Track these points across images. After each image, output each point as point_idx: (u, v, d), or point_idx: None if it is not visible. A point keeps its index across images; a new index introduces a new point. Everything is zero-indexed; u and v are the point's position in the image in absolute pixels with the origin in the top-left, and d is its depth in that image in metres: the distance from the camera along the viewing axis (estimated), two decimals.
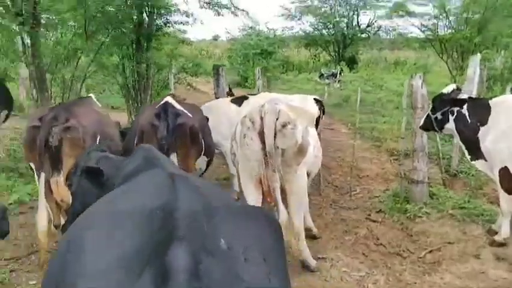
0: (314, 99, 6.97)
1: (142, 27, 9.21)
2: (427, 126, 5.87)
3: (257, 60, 22.36)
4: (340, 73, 20.80)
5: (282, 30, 30.05)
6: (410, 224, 5.93)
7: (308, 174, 4.59)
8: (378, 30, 30.79)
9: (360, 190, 7.51)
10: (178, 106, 5.15)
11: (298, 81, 23.98)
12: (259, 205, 4.31)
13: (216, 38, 48.33)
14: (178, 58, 11.63)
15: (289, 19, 31.42)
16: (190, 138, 5.03)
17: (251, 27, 25.16)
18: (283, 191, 4.35)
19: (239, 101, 6.97)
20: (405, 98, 6.89)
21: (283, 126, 4.11)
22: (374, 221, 6.15)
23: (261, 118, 4.11)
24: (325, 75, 21.34)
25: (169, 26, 9.39)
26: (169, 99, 5.21)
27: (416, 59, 28.49)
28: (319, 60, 31.33)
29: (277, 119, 4.11)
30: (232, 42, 26.28)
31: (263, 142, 4.09)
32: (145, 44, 9.22)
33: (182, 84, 12.37)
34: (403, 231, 5.79)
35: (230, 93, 9.86)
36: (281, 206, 4.26)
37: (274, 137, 4.08)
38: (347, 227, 5.97)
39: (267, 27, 26.03)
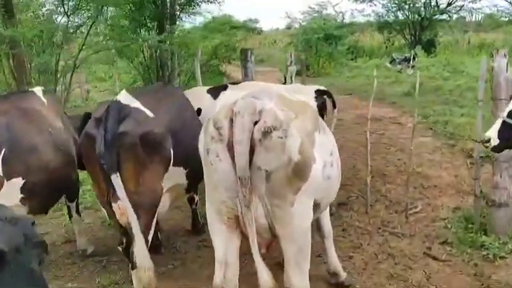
0: (317, 91, 5.16)
1: (164, 8, 7.89)
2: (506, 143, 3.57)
3: (321, 46, 20.51)
4: (414, 58, 18.47)
5: (352, 13, 27.81)
6: (488, 267, 4.14)
7: (316, 206, 2.98)
8: (460, 10, 27.60)
9: (422, 207, 5.72)
10: (134, 104, 3.77)
11: (368, 67, 21.84)
12: (236, 262, 2.82)
13: (289, 27, 47.25)
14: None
15: (359, 1, 29.04)
16: (143, 149, 3.63)
17: (317, 11, 23.33)
18: (274, 236, 2.80)
19: (216, 91, 5.34)
20: (481, 86, 4.96)
21: (266, 133, 2.57)
22: (435, 259, 4.41)
23: (231, 122, 2.58)
24: (397, 60, 19.15)
25: (194, 6, 8.00)
26: (123, 95, 3.84)
27: (504, 41, 25.15)
28: (393, 45, 28.72)
29: (256, 123, 2.58)
30: (295, 27, 24.51)
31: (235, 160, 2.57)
32: (168, 26, 7.89)
33: (214, 73, 10.97)
34: (476, 280, 4.01)
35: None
36: (261, 265, 2.70)
37: (252, 152, 2.54)
38: (394, 269, 4.27)
39: (335, 10, 24.03)
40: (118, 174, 3.58)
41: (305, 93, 4.82)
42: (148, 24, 7.76)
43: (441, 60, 20.93)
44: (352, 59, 23.69)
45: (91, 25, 7.02)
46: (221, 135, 2.62)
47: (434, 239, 4.79)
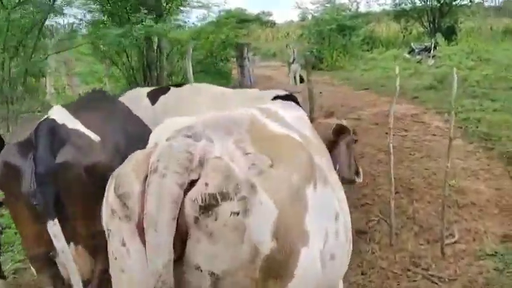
0: (277, 97, 3.66)
1: None
2: None
3: (334, 38, 19.29)
4: (435, 47, 17.15)
5: (367, 2, 26.46)
6: None
7: None
8: None
9: (459, 234, 4.58)
10: (72, 124, 2.75)
11: (384, 59, 20.56)
12: None
13: (303, 19, 46.14)
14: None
15: None
16: (91, 183, 2.62)
17: (329, 1, 22.06)
18: None
19: (156, 94, 4.15)
20: None
21: (209, 207, 1.44)
22: None
23: (145, 185, 1.47)
24: (416, 50, 17.88)
25: None
26: (57, 111, 2.81)
27: None
28: (410, 33, 27.27)
29: (191, 185, 1.47)
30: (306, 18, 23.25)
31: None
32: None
33: (210, 73, 9.78)
34: None
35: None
36: None
37: (184, 240, 1.48)
38: None
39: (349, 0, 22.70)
40: (56, 220, 2.59)
41: (263, 99, 3.59)
42: (131, 17, 6.70)
43: (464, 48, 19.47)
44: (367, 50, 22.39)
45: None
46: (127, 209, 1.49)
47: (483, 286, 3.66)
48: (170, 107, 3.95)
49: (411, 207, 5.21)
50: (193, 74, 7.77)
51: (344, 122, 3.36)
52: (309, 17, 23.32)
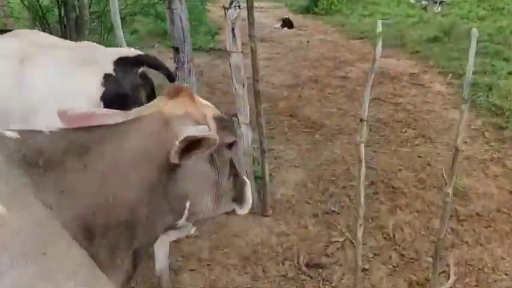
0: (120, 60, 2.32)
1: None
2: None
3: None
4: None
5: None
6: None
7: None
8: None
9: (461, 271, 3.16)
10: None
11: (387, 3, 18.52)
12: None
13: None
14: None
15: None
16: None
17: None
18: None
19: None
20: None
21: None
22: None
23: None
24: None
25: None
26: None
27: None
28: None
29: None
30: None
31: None
32: None
33: (149, 16, 7.80)
34: None
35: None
36: None
37: None
38: None
39: None
40: None
41: (97, 65, 2.27)
42: None
43: None
44: None
45: None
46: None
47: None
48: None
49: (393, 219, 3.76)
50: (126, 17, 6.09)
51: (215, 113, 1.71)
52: None
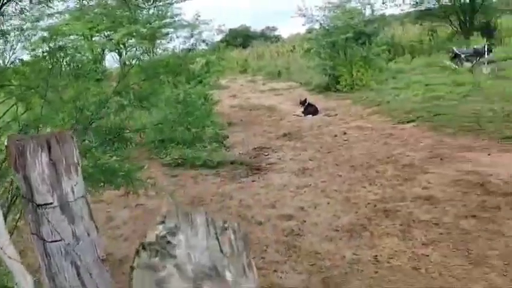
0: None
1: None
2: None
3: (351, 49, 14.92)
4: (490, 50, 12.71)
5: (383, 3, 22.10)
6: None
7: None
8: None
9: None
10: None
11: (414, 69, 16.15)
12: None
13: (310, 31, 42.07)
14: None
15: None
16: None
17: (338, 6, 17.63)
18: None
19: None
20: None
21: None
22: None
23: None
24: (462, 56, 13.41)
25: None
26: None
27: None
28: (434, 34, 22.83)
29: None
30: (316, 29, 18.74)
31: None
32: None
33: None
34: None
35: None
36: None
37: None
38: None
39: (359, 2, 18.15)
40: None
41: None
42: None
43: None
44: (390, 60, 17.96)
45: None
46: None
47: None
48: None
49: None
50: None
51: None
52: (316, 26, 18.96)
